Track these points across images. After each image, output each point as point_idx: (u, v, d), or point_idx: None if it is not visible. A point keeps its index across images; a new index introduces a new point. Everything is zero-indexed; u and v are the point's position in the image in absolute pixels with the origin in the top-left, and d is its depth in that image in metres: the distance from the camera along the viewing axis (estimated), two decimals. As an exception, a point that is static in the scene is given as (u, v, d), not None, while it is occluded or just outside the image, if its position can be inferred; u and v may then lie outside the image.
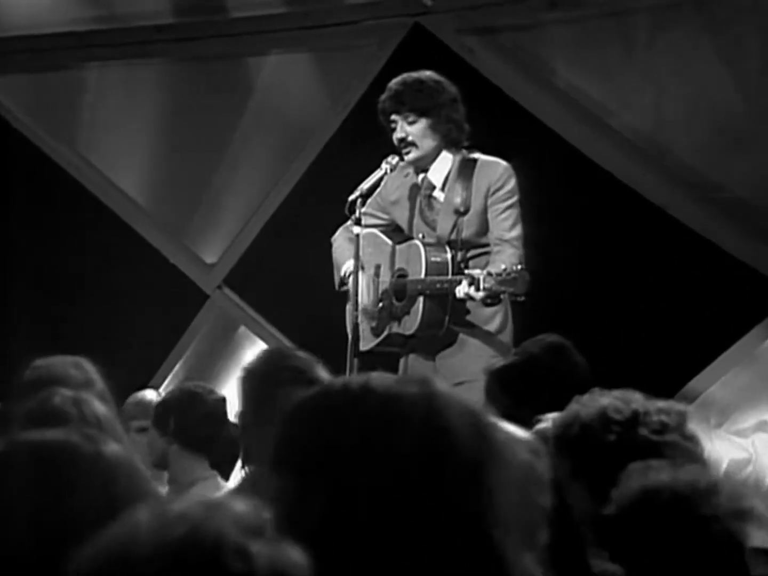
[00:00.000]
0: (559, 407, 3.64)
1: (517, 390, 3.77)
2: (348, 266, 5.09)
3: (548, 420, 3.03)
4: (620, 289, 5.70)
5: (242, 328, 6.89)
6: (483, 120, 5.51)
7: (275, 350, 3.47)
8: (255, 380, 3.39)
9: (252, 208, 6.78)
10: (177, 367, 7.02)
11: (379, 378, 1.92)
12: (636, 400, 2.71)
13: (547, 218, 5.42)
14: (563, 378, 3.76)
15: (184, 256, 6.98)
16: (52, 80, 7.16)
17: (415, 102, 4.98)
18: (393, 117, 5.03)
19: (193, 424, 4.28)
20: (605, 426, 2.76)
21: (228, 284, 6.84)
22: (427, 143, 5.02)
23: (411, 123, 5.00)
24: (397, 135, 5.01)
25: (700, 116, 5.62)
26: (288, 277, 6.50)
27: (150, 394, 5.38)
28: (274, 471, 1.86)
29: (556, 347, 3.87)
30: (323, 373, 3.39)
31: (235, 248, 6.82)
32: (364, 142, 5.51)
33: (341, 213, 5.01)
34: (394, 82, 5.06)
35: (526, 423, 3.54)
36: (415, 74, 5.05)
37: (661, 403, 2.70)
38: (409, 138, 5.00)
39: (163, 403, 4.54)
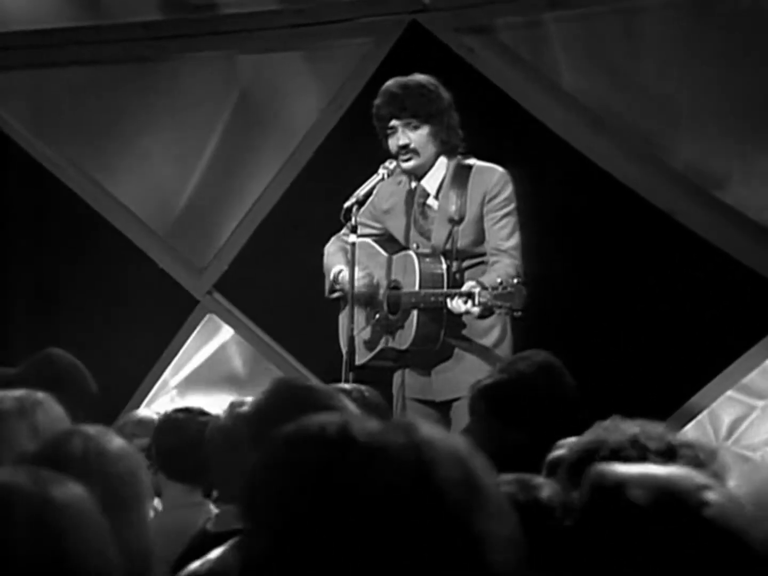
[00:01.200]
0: (547, 428, 3.52)
1: (504, 410, 3.65)
2: (338, 268, 4.95)
3: (564, 447, 2.87)
4: (623, 298, 5.60)
5: (233, 335, 6.80)
6: (482, 122, 5.41)
7: (284, 383, 3.07)
8: (260, 422, 3.03)
9: (244, 210, 6.69)
10: (166, 374, 6.94)
11: (359, 423, 1.75)
12: (664, 430, 2.50)
13: (546, 226, 5.31)
14: (553, 398, 3.66)
15: (173, 260, 6.88)
16: (36, 79, 7.08)
17: (419, 107, 4.83)
18: (393, 123, 4.88)
19: (176, 453, 3.99)
20: (641, 454, 2.56)
21: (219, 289, 6.74)
22: (429, 151, 4.89)
23: (414, 129, 4.86)
24: (399, 142, 4.86)
25: (707, 116, 5.53)
26: (281, 282, 6.41)
27: (148, 412, 5.12)
28: (243, 519, 1.71)
29: (546, 366, 3.72)
30: (346, 403, 3.03)
31: (226, 252, 6.71)
32: (360, 144, 5.41)
33: (336, 217, 4.90)
34: (391, 86, 4.90)
35: (512, 443, 3.54)
36: (414, 78, 4.90)
37: (689, 438, 2.50)
38: (412, 145, 4.87)
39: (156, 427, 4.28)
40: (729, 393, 5.50)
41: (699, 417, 5.49)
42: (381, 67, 6.04)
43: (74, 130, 7.01)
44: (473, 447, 1.86)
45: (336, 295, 5.04)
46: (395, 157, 4.88)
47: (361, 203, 4.81)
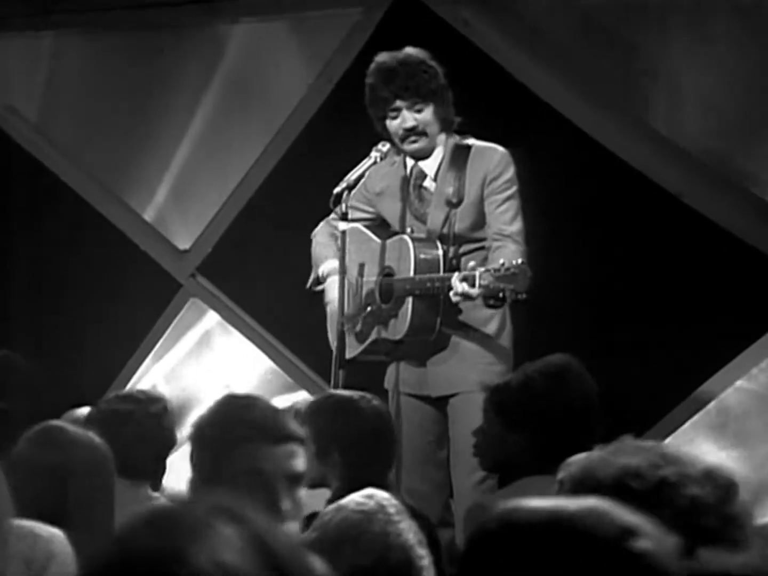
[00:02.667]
0: (555, 435, 3.49)
1: (507, 413, 3.62)
2: (327, 266, 4.74)
3: (573, 464, 2.63)
4: (629, 284, 5.43)
5: (218, 319, 6.67)
6: (479, 99, 5.23)
7: (230, 400, 2.91)
8: (205, 439, 2.86)
9: (228, 190, 6.53)
10: (148, 360, 6.81)
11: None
12: (670, 460, 2.16)
13: (550, 210, 5.13)
14: (562, 405, 3.58)
15: (154, 242, 6.76)
16: (6, 47, 6.91)
17: (423, 86, 4.58)
18: (396, 104, 4.61)
19: (120, 448, 3.57)
20: (620, 495, 2.21)
21: (202, 272, 6.62)
22: (434, 130, 4.65)
23: (419, 110, 4.61)
24: (406, 124, 4.59)
25: (720, 98, 5.34)
26: (266, 264, 6.30)
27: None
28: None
29: (559, 372, 3.63)
30: (293, 426, 2.85)
31: (209, 234, 6.59)
32: (350, 121, 5.23)
33: (325, 197, 4.68)
34: (388, 63, 4.62)
35: (514, 447, 3.49)
36: (410, 53, 4.62)
37: (704, 467, 2.15)
38: (420, 127, 4.61)
39: (88, 422, 3.91)
40: (738, 383, 5.32)
41: (708, 407, 5.34)
42: (371, 39, 5.89)
43: (49, 106, 6.88)
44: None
45: (319, 288, 4.81)
46: (401, 140, 4.63)
47: (352, 188, 4.58)
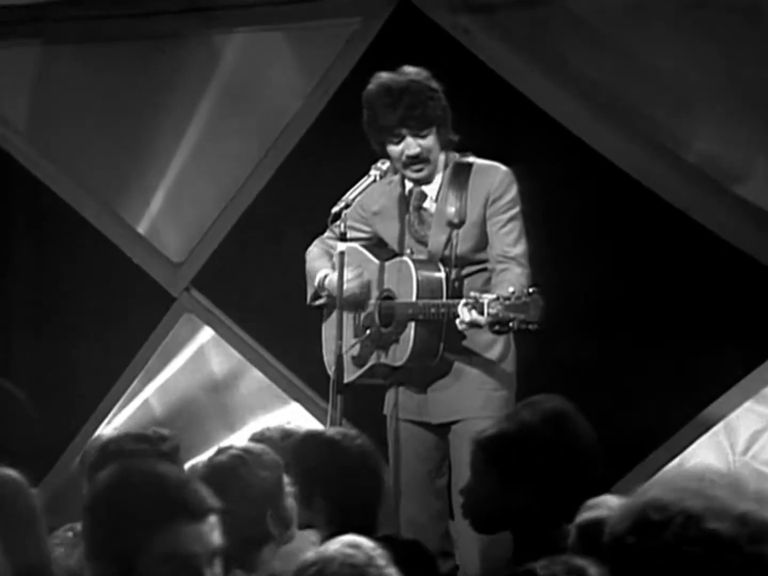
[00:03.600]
0: (555, 487, 3.23)
1: (507, 465, 3.27)
2: (324, 272, 4.61)
3: (594, 508, 2.64)
4: (635, 303, 5.37)
5: (212, 334, 6.59)
6: (480, 113, 5.19)
7: (133, 469, 2.56)
8: (108, 516, 2.53)
9: (223, 202, 6.47)
10: (140, 375, 6.73)
11: None
12: (690, 494, 2.09)
13: (553, 228, 5.08)
14: (562, 452, 3.27)
15: (148, 255, 6.68)
16: None
17: (429, 113, 4.45)
18: (399, 131, 4.46)
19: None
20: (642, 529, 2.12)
21: (197, 286, 6.55)
22: (436, 154, 4.54)
23: (424, 137, 4.48)
24: (410, 152, 4.46)
25: (727, 106, 5.29)
26: (264, 278, 6.24)
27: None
28: None
29: (556, 414, 3.33)
30: (200, 494, 2.50)
31: (204, 246, 6.52)
32: (347, 133, 5.15)
33: (321, 210, 4.62)
34: (390, 85, 4.45)
35: (516, 504, 3.22)
36: (412, 76, 4.46)
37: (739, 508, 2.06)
38: (424, 154, 4.48)
39: (99, 462, 3.74)
40: (747, 404, 5.27)
41: (714, 429, 5.28)
42: (369, 50, 5.84)
43: (41, 116, 6.81)
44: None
45: (320, 302, 4.69)
46: (404, 165, 4.50)
47: (350, 207, 4.47)
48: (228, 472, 3.42)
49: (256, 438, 4.20)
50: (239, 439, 6.30)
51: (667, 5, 5.40)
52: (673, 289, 5.32)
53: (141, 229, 6.71)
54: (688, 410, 5.24)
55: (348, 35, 5.99)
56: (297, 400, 6.26)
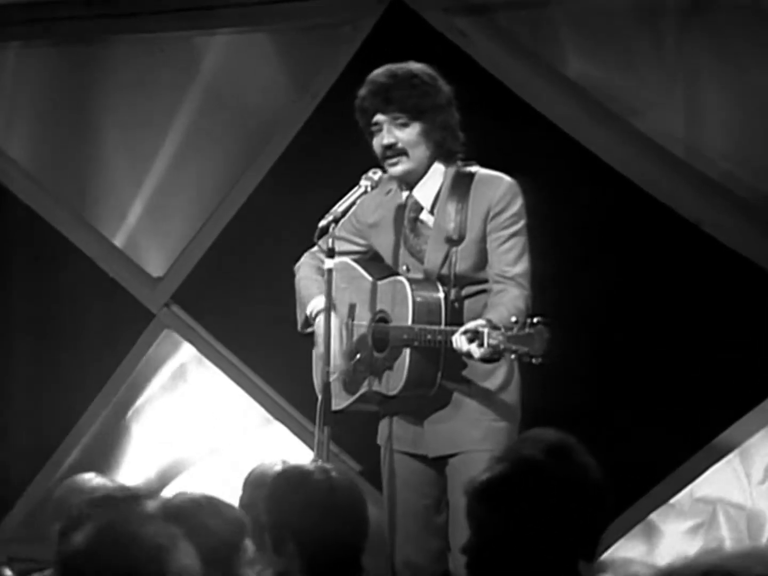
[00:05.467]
0: (574, 526, 2.81)
1: (514, 510, 2.81)
2: (316, 304, 4.35)
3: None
4: (648, 322, 5.24)
5: (194, 352, 6.48)
6: (478, 120, 4.87)
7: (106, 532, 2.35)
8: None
9: (205, 213, 6.36)
10: (118, 395, 6.57)
11: None
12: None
13: (558, 245, 4.90)
14: (578, 491, 2.84)
15: (125, 269, 6.55)
16: None
17: (407, 100, 4.24)
18: (377, 118, 4.28)
19: None
20: None
21: (177, 301, 6.43)
22: (420, 153, 4.28)
23: (401, 126, 4.27)
24: (384, 141, 4.26)
25: (741, 115, 5.18)
26: (245, 293, 6.17)
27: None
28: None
29: (560, 448, 2.91)
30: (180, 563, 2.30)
31: (184, 260, 6.40)
32: (336, 141, 5.23)
33: (309, 222, 4.38)
34: (377, 74, 4.31)
35: (527, 556, 2.79)
36: (406, 66, 4.32)
37: None
38: (399, 145, 4.26)
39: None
40: (764, 430, 5.15)
41: (729, 456, 5.15)
42: (359, 54, 5.74)
43: (9, 123, 6.67)
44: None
45: (310, 330, 4.43)
46: (382, 159, 4.30)
47: (339, 221, 4.23)
48: (182, 518, 3.08)
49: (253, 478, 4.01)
50: (222, 462, 6.34)
51: (668, 4, 5.30)
52: (685, 308, 5.20)
53: (118, 242, 6.58)
54: (701, 437, 5.11)
55: (337, 37, 5.92)
56: (282, 421, 6.13)
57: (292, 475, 3.36)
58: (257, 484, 4.12)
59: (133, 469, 6.42)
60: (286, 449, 5.91)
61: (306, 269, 4.49)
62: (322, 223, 4.19)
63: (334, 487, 3.29)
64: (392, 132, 4.24)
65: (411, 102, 4.23)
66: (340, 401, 4.29)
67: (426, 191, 4.32)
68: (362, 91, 4.32)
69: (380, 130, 4.27)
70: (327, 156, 5.53)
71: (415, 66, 4.31)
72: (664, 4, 5.31)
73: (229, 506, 3.29)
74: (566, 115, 5.36)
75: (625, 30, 5.35)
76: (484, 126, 4.74)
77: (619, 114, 5.34)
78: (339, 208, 4.21)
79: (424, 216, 4.33)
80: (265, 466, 4.35)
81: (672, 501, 5.14)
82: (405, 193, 4.36)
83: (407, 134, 4.24)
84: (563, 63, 5.46)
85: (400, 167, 4.26)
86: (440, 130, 4.26)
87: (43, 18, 6.39)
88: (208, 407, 6.42)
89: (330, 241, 4.14)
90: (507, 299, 4.08)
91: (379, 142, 4.27)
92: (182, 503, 3.23)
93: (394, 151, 4.25)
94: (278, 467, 3.92)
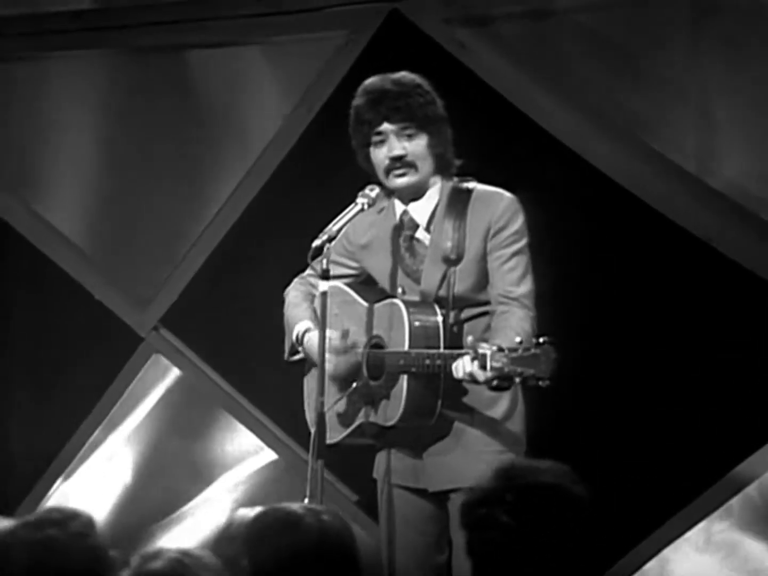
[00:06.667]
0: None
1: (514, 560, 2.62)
2: (301, 327, 4.23)
3: None
4: (659, 347, 5.16)
5: (183, 377, 6.39)
6: (478, 134, 4.95)
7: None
8: None
9: (196, 232, 6.28)
10: (104, 422, 6.47)
11: None
12: None
13: (561, 264, 4.82)
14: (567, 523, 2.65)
15: (112, 291, 6.44)
16: None
17: (416, 109, 4.13)
18: (382, 128, 4.13)
19: None
20: None
21: (166, 324, 6.33)
22: (427, 166, 4.16)
23: (408, 137, 4.14)
24: (392, 152, 4.11)
25: (757, 130, 5.13)
26: (237, 317, 6.05)
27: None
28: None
29: (574, 476, 2.73)
30: None
31: (174, 281, 6.28)
32: (331, 157, 5.12)
33: (303, 241, 4.27)
34: (377, 82, 4.20)
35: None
36: (406, 74, 4.22)
37: None
38: (408, 157, 4.13)
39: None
40: None
41: (746, 490, 5.07)
42: (355, 66, 5.67)
43: None
44: None
45: (297, 358, 4.30)
46: (386, 172, 4.15)
47: (334, 241, 4.09)
48: None
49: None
50: (213, 494, 6.25)
51: (677, 14, 5.25)
52: (699, 328, 5.13)
53: (105, 263, 6.49)
54: (716, 469, 5.03)
55: (332, 50, 5.85)
56: (275, 449, 6.04)
57: (277, 516, 3.12)
58: (236, 534, 3.89)
59: (119, 500, 6.34)
60: (279, 478, 5.88)
61: (294, 295, 4.37)
62: (317, 242, 4.04)
63: (326, 528, 3.05)
64: (401, 142, 4.12)
65: (420, 111, 4.12)
66: (334, 434, 4.15)
67: (421, 208, 4.19)
68: (359, 101, 4.19)
69: (384, 140, 4.14)
70: (322, 174, 5.47)
71: (414, 75, 4.21)
72: (672, 16, 5.25)
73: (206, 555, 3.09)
74: (569, 130, 5.31)
75: (631, 41, 5.32)
76: (482, 139, 4.71)
77: (623, 127, 5.30)
78: (334, 226, 4.06)
79: (420, 234, 4.19)
80: (242, 514, 4.12)
81: (687, 535, 5.07)
82: (399, 210, 4.22)
83: (416, 145, 4.13)
84: (567, 75, 5.42)
85: (406, 179, 4.13)
86: (443, 142, 4.16)
87: (28, 32, 6.36)
88: (198, 435, 6.33)
89: (324, 262, 3.99)
90: (513, 321, 3.96)
91: (385, 153, 4.13)
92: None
93: (402, 162, 4.12)
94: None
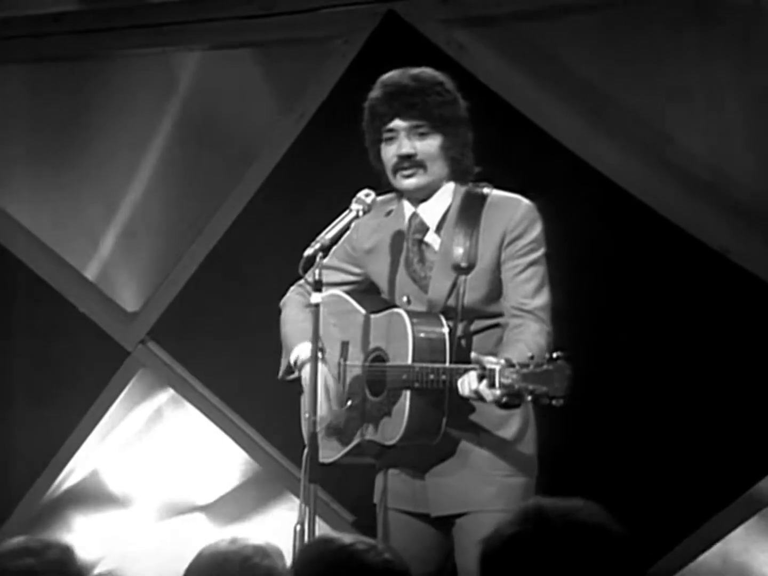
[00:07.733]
0: None
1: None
2: (301, 352, 4.01)
3: None
4: (676, 363, 5.10)
5: (171, 392, 6.35)
6: (477, 138, 4.74)
7: None
8: None
9: (185, 243, 6.24)
10: (90, 438, 6.41)
11: None
12: None
13: (579, 279, 4.75)
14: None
15: (97, 304, 6.42)
16: None
17: (432, 107, 3.96)
18: (394, 124, 3.96)
19: None
20: None
21: (153, 338, 6.30)
22: (437, 169, 3.98)
23: (421, 136, 3.96)
24: (402, 150, 3.94)
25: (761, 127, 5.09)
26: (227, 330, 6.03)
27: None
28: None
29: (603, 512, 2.50)
30: None
31: (162, 293, 6.29)
32: (325, 162, 5.26)
33: (295, 252, 4.09)
34: (396, 76, 4.03)
35: None
36: (427, 70, 4.05)
37: None
38: (418, 157, 3.95)
39: None
40: None
41: (764, 510, 5.00)
42: (351, 69, 5.69)
43: None
44: None
45: (293, 377, 4.11)
46: (393, 171, 3.98)
47: (326, 251, 3.90)
48: None
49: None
50: (202, 510, 6.21)
51: (676, 15, 5.19)
52: (714, 347, 5.03)
53: (89, 274, 6.45)
54: (733, 488, 4.95)
55: (326, 52, 5.82)
56: (267, 467, 5.99)
57: (338, 551, 2.80)
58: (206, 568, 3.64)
59: (106, 518, 6.31)
60: (271, 497, 5.86)
61: (292, 307, 4.17)
62: (308, 251, 3.85)
63: (391, 569, 2.79)
64: (411, 141, 3.96)
65: (436, 110, 3.94)
66: (330, 453, 3.95)
67: (432, 209, 4.01)
68: (376, 93, 4.02)
69: (395, 138, 3.97)
70: (316, 180, 5.43)
71: (436, 72, 4.03)
72: (680, 17, 5.18)
73: None
74: (571, 133, 5.25)
75: (642, 43, 5.24)
76: (482, 143, 4.47)
77: (626, 128, 5.22)
78: (327, 235, 3.88)
79: (429, 238, 4.01)
80: (215, 547, 3.84)
81: (701, 558, 5.00)
82: (409, 213, 4.04)
83: (427, 146, 3.95)
84: (569, 78, 5.35)
85: (414, 180, 3.95)
86: (460, 146, 3.99)
87: (9, 35, 6.29)
88: (186, 451, 6.29)
89: (317, 272, 3.80)
90: (527, 335, 3.77)
91: (394, 151, 3.96)
92: None
93: (411, 162, 3.95)
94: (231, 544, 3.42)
